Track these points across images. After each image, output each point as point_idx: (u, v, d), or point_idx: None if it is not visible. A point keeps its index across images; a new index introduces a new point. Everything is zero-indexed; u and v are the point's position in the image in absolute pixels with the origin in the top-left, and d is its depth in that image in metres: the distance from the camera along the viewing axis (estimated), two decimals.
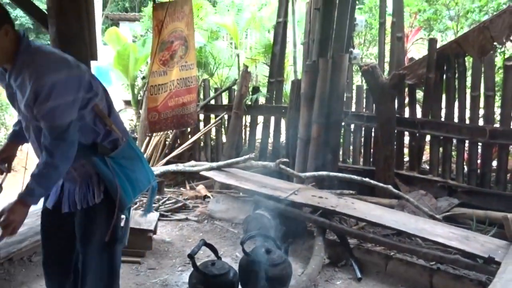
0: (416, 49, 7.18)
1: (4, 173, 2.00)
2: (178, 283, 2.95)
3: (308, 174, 4.15)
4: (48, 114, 1.65)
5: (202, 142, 5.64)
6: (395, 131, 4.56)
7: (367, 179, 4.00)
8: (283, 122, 5.32)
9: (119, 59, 6.47)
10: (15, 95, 1.76)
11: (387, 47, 5.28)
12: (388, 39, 5.36)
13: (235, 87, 5.40)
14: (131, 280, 2.96)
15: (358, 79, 6.14)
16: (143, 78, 6.58)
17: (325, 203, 3.55)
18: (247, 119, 5.54)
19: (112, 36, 7.07)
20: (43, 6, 3.21)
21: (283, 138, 5.36)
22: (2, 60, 1.69)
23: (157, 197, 4.37)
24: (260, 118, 5.50)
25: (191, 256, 2.52)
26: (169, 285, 2.94)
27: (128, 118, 6.98)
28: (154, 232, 3.52)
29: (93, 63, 3.15)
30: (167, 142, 5.49)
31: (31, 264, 2.97)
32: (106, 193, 1.88)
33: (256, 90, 5.50)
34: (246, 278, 2.57)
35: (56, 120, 1.67)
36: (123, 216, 1.99)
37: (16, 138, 2.00)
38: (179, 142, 5.56)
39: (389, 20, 5.15)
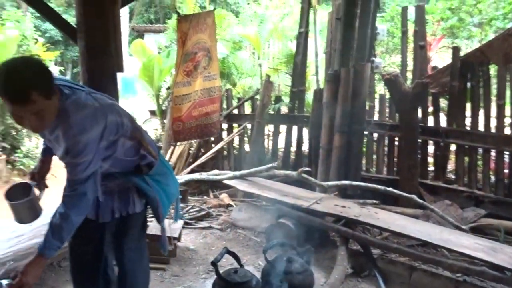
0: (440, 58, 7.11)
1: (43, 190, 2.08)
2: None
3: (330, 183, 4.15)
4: (72, 168, 1.71)
5: (225, 151, 5.70)
6: (419, 140, 4.53)
7: (390, 189, 3.97)
8: (305, 131, 5.34)
9: (144, 70, 6.63)
10: (51, 143, 1.84)
11: (410, 56, 5.26)
12: (410, 47, 5.33)
13: (258, 96, 5.46)
14: (155, 286, 3.01)
15: (380, 88, 6.12)
16: (168, 88, 6.72)
17: (348, 212, 3.54)
18: (269, 128, 5.58)
19: (137, 48, 7.25)
20: (71, 20, 3.34)
21: (305, 147, 5.37)
22: (51, 120, 1.66)
23: (181, 205, 4.44)
24: (283, 127, 5.54)
25: (214, 264, 2.56)
26: None
27: (153, 127, 7.12)
28: (178, 239, 3.58)
29: (119, 75, 3.25)
30: (191, 151, 5.57)
31: (60, 269, 3.06)
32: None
33: (278, 99, 5.55)
34: (268, 287, 2.59)
35: (77, 174, 1.72)
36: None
37: (48, 153, 2.07)
38: (202, 151, 5.63)
39: (411, 28, 5.13)
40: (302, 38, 5.44)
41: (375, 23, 4.67)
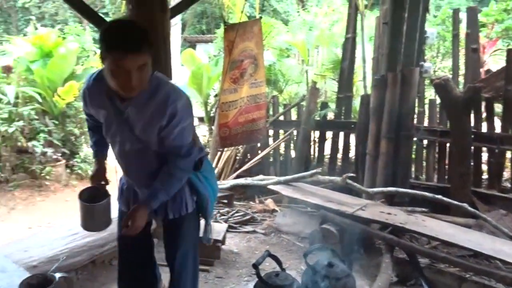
0: (494, 61, 6.78)
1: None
2: None
3: (375, 189, 4.08)
4: (179, 134, 1.85)
5: (271, 157, 5.75)
6: (472, 147, 4.35)
7: (439, 196, 3.83)
8: (352, 137, 5.28)
9: (193, 78, 6.82)
10: (124, 121, 1.87)
11: (463, 60, 5.07)
12: (463, 51, 5.15)
13: (304, 103, 5.47)
14: (199, 287, 3.09)
15: (431, 93, 5.93)
16: (216, 95, 6.87)
17: (393, 219, 3.46)
18: (315, 134, 5.57)
19: (187, 57, 7.49)
20: None
21: (352, 153, 5.31)
22: (146, 82, 1.77)
23: (226, 209, 4.53)
24: (329, 134, 5.51)
25: (256, 266, 2.60)
26: None
27: (202, 134, 7.30)
28: (223, 242, 3.65)
29: None
30: (237, 157, 5.67)
31: (111, 267, 3.22)
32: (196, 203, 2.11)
33: (324, 105, 5.53)
34: None
35: (184, 139, 1.88)
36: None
37: (101, 153, 2.17)
38: (249, 157, 5.71)
39: (463, 31, 4.96)
40: (349, 44, 5.41)
41: (424, 27, 4.56)
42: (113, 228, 3.19)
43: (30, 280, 1.62)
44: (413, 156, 4.95)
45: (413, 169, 5.01)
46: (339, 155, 5.43)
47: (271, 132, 5.68)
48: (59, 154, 6.37)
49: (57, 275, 1.66)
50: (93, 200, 1.94)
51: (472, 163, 4.39)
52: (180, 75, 7.26)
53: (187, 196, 2.06)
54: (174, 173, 1.90)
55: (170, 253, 2.18)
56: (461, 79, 4.95)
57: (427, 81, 5.42)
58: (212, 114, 6.72)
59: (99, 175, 2.11)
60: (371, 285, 3.07)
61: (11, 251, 2.68)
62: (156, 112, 1.81)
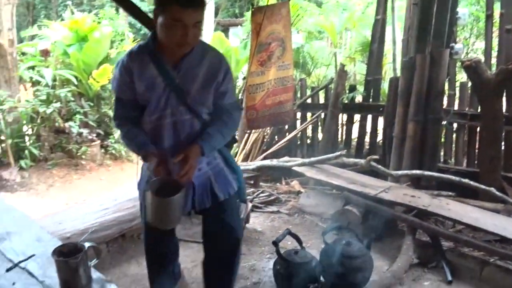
0: None
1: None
2: (264, 268, 3.14)
3: (400, 172, 4.06)
4: (230, 90, 1.98)
5: (298, 140, 5.78)
6: (503, 131, 4.24)
7: (466, 180, 3.78)
8: (380, 121, 5.23)
9: None
10: (176, 88, 1.86)
11: (496, 41, 4.90)
12: (497, 32, 4.96)
13: (332, 85, 5.45)
14: None
15: (462, 76, 5.77)
16: (244, 78, 6.93)
17: (416, 202, 3.46)
18: (343, 117, 5.55)
19: (216, 41, 7.55)
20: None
21: (380, 137, 5.27)
22: (193, 45, 1.84)
23: (252, 189, 4.62)
24: (357, 117, 5.48)
25: (276, 244, 2.68)
26: (256, 269, 3.14)
27: None
28: (247, 221, 3.75)
29: None
30: (265, 139, 5.73)
31: (139, 241, 3.38)
32: None
33: (352, 88, 5.49)
34: (325, 268, 2.65)
35: (233, 95, 2.04)
36: None
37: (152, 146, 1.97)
38: (276, 139, 5.76)
39: (498, 11, 4.77)
40: (379, 25, 5.32)
41: (456, 7, 4.43)
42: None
43: (62, 248, 1.73)
44: (442, 139, 4.87)
45: (442, 153, 4.93)
46: (367, 139, 5.41)
47: (298, 115, 5.70)
48: (94, 135, 6.62)
49: (87, 244, 1.77)
50: (161, 194, 1.75)
51: (503, 147, 4.28)
52: None
53: (228, 174, 2.08)
54: (227, 122, 1.96)
55: (220, 238, 2.15)
56: (494, 61, 4.78)
57: (458, 63, 5.28)
58: (240, 97, 6.80)
59: (164, 166, 1.89)
60: (391, 266, 3.10)
61: (47, 224, 2.88)
62: (211, 68, 1.90)
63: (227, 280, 2.29)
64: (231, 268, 2.25)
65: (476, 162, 4.58)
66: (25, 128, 6.38)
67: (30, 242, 1.95)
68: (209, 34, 8.86)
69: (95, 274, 1.69)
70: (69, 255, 1.63)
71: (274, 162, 4.64)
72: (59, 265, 1.63)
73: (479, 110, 4.42)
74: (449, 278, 3.00)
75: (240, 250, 2.30)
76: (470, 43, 6.45)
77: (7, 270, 1.73)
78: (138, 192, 2.18)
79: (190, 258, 3.15)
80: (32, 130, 6.35)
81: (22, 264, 1.76)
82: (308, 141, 5.78)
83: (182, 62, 1.86)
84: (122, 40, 7.87)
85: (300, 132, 5.64)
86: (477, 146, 4.56)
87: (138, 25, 14.12)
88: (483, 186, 3.76)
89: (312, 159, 4.38)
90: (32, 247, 1.90)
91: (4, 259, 1.82)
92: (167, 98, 1.89)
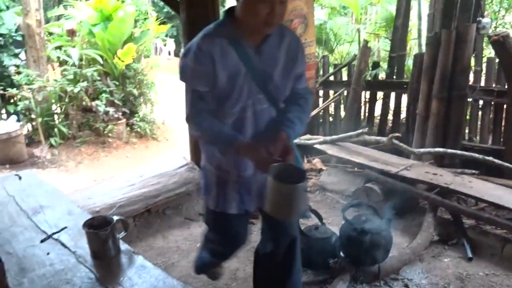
0: None
1: None
2: None
3: (422, 150, 4.02)
4: (305, 73, 1.90)
5: (321, 118, 5.77)
6: None
7: (490, 158, 3.73)
8: (404, 98, 5.17)
9: None
10: (259, 75, 1.74)
11: None
12: None
13: (355, 62, 5.39)
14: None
15: (490, 51, 5.61)
16: None
17: (438, 180, 3.45)
18: (366, 95, 5.50)
19: None
20: None
21: (403, 114, 5.21)
22: (278, 23, 1.69)
23: None
24: (380, 94, 5.42)
25: None
26: None
27: None
28: None
29: None
30: None
31: (164, 216, 3.50)
32: None
33: (376, 65, 5.42)
34: (345, 243, 2.71)
35: (305, 81, 1.93)
36: None
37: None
38: None
39: None
40: (404, 0, 5.20)
41: None
42: (165, 180, 3.46)
43: (92, 221, 1.83)
44: (468, 117, 4.79)
45: (467, 130, 4.86)
46: (390, 116, 5.36)
47: (321, 92, 5.68)
48: (120, 113, 6.78)
49: (115, 217, 1.87)
50: (281, 180, 1.52)
51: None
52: None
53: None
54: (304, 108, 1.85)
55: (282, 230, 2.06)
56: None
57: (486, 38, 5.14)
58: None
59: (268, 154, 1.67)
60: (411, 242, 3.13)
61: (77, 198, 3.01)
62: (291, 51, 1.80)
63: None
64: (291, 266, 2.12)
65: (501, 140, 4.50)
66: (54, 107, 6.58)
67: (62, 215, 2.07)
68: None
69: (123, 246, 1.79)
70: (98, 228, 1.74)
71: (296, 140, 4.66)
72: (89, 237, 1.73)
73: (506, 86, 4.32)
74: (470, 255, 3.01)
75: (298, 250, 2.13)
76: (499, 17, 6.21)
77: (42, 241, 1.86)
78: (205, 199, 2.07)
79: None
80: (61, 109, 6.55)
81: (55, 236, 1.88)
82: (331, 119, 5.77)
83: (264, 45, 1.73)
84: (145, 19, 7.94)
85: (322, 110, 5.63)
86: (503, 124, 4.48)
87: (161, 3, 14.15)
88: (507, 164, 3.70)
89: (334, 137, 4.39)
90: (64, 219, 2.02)
91: (38, 230, 1.94)
92: (249, 86, 1.74)
